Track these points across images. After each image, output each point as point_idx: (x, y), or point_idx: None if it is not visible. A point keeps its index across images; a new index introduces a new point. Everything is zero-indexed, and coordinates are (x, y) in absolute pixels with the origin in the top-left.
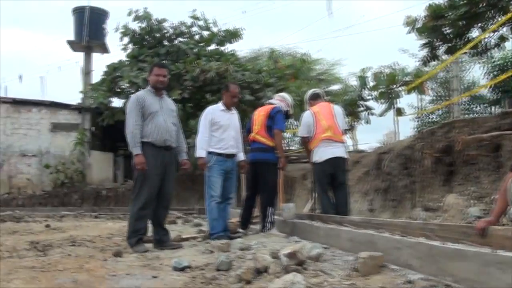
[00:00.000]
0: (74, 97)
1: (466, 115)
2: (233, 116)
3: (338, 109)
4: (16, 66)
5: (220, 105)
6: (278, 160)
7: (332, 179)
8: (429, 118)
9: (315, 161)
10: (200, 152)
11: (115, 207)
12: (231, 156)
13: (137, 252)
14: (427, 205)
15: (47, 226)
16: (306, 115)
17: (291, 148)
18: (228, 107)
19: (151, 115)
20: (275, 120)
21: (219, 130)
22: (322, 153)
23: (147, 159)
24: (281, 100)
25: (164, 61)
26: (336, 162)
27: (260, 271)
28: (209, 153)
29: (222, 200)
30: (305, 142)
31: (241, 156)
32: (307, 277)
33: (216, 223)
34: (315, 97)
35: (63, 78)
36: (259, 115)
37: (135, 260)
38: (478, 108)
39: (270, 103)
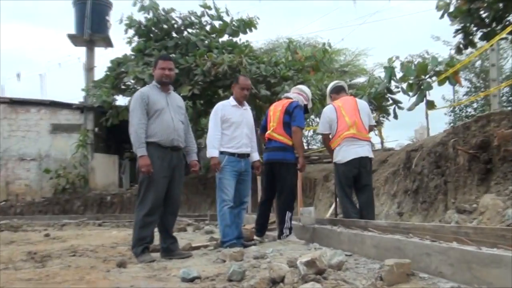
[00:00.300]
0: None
1: (506, 108)
2: (246, 112)
3: (363, 104)
4: (14, 63)
5: (231, 100)
6: (296, 160)
7: (356, 181)
8: (465, 111)
9: (337, 161)
10: (212, 152)
11: (121, 214)
12: (245, 156)
13: (143, 262)
14: (461, 206)
15: (47, 235)
16: (328, 110)
17: (311, 147)
18: (239, 102)
19: (156, 112)
20: (294, 116)
21: (230, 127)
22: (344, 153)
23: (152, 161)
24: (299, 93)
25: (172, 55)
26: (360, 163)
27: (275, 281)
28: (221, 153)
29: (236, 204)
30: (326, 140)
31: (256, 156)
32: (327, 287)
33: (229, 230)
34: (338, 90)
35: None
36: (276, 110)
37: (140, 270)
38: None
39: (287, 97)
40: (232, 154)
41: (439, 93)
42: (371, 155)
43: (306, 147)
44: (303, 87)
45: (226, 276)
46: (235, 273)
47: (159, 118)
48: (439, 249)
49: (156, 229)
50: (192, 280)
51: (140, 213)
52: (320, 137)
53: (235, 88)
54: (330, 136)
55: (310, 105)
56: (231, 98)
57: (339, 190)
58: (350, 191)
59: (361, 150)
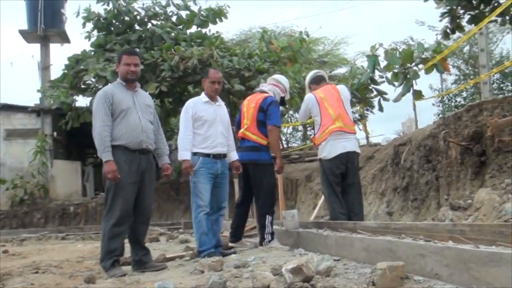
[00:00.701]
0: (31, 98)
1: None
2: (220, 109)
3: (344, 91)
4: None
5: (202, 97)
6: (272, 160)
7: (342, 178)
8: (454, 101)
9: (323, 157)
10: (184, 154)
11: (86, 225)
12: (221, 156)
13: (113, 276)
14: (455, 203)
15: (5, 251)
16: (308, 98)
17: (291, 145)
18: (211, 97)
19: (122, 113)
20: (269, 114)
21: (203, 126)
22: (331, 148)
23: (119, 166)
24: (275, 84)
25: (136, 49)
26: (347, 158)
27: None
28: (194, 154)
29: (213, 210)
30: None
31: (234, 156)
32: None
33: (206, 238)
34: (318, 81)
35: (17, 75)
36: (249, 107)
37: (111, 285)
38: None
39: (262, 90)
40: (207, 155)
41: (426, 82)
42: (358, 150)
43: (285, 145)
44: (279, 77)
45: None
46: (215, 284)
47: (125, 119)
48: (434, 249)
49: (126, 241)
50: None
51: (108, 223)
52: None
53: (205, 82)
54: (314, 132)
55: (287, 97)
56: (203, 94)
57: (326, 188)
58: (338, 188)
59: (349, 145)
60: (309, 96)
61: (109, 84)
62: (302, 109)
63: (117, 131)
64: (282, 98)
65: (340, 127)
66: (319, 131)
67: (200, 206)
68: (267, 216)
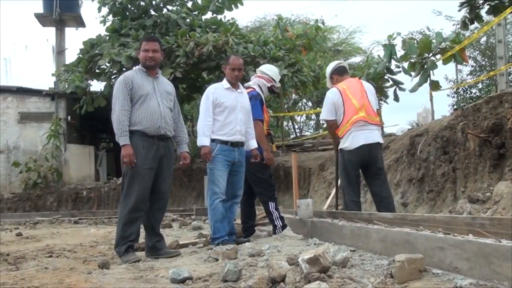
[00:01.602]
0: (46, 81)
1: None
2: (241, 96)
3: (369, 86)
4: None
5: (224, 83)
6: (262, 154)
7: (366, 170)
8: (469, 92)
9: (344, 148)
10: (203, 140)
11: (98, 210)
12: (238, 144)
13: (127, 262)
14: (473, 196)
15: (19, 234)
16: (332, 94)
17: (304, 133)
18: (233, 84)
19: (141, 98)
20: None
21: (223, 112)
22: (353, 139)
23: (137, 151)
24: (260, 76)
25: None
26: (370, 150)
27: (275, 281)
28: (212, 140)
29: (228, 198)
30: (333, 126)
31: (253, 144)
32: (333, 286)
33: (220, 225)
34: (341, 71)
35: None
36: None
37: (125, 271)
38: None
39: (248, 86)
40: (225, 142)
41: (441, 73)
42: (381, 140)
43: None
44: (264, 67)
45: (221, 276)
46: (230, 272)
47: (144, 104)
48: (453, 242)
49: (141, 227)
50: (183, 281)
51: (125, 208)
52: (313, 122)
53: (226, 69)
54: (335, 123)
55: (277, 85)
56: (224, 81)
57: (344, 178)
58: (356, 181)
59: (371, 136)
60: (331, 90)
61: (132, 69)
62: (326, 106)
63: (136, 116)
64: (271, 88)
65: (364, 117)
66: (342, 121)
67: (216, 193)
68: (269, 202)
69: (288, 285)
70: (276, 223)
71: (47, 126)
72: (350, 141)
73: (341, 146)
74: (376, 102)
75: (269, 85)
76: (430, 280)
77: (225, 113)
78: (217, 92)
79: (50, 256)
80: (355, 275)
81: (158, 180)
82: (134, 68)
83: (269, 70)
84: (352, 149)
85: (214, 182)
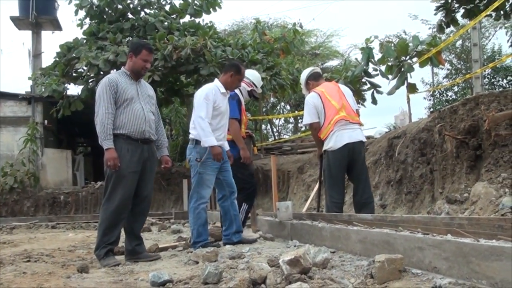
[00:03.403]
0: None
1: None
2: (228, 104)
3: (345, 88)
4: None
5: (220, 86)
6: (238, 154)
7: (351, 168)
8: (445, 95)
9: (329, 148)
10: (212, 140)
11: (76, 214)
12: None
13: (107, 265)
14: (451, 196)
15: None
16: (311, 97)
17: (283, 136)
18: (228, 90)
19: (126, 101)
20: None
21: (217, 117)
22: (336, 139)
23: (121, 154)
24: None
25: (128, 38)
26: (354, 148)
27: (256, 283)
28: (198, 143)
29: (227, 196)
30: (317, 129)
31: (226, 145)
32: (314, 287)
33: (203, 229)
34: (317, 77)
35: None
36: None
37: (105, 275)
38: (503, 81)
39: None
40: None
41: (418, 76)
42: (364, 139)
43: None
44: (247, 71)
45: (201, 278)
46: (211, 274)
47: (129, 108)
48: (432, 242)
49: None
50: (163, 284)
51: (107, 211)
52: (291, 126)
53: (233, 77)
54: (318, 125)
55: (258, 91)
56: (219, 84)
57: (328, 180)
58: (341, 182)
59: (355, 134)
60: (310, 95)
61: (113, 72)
62: (307, 110)
63: (120, 120)
64: (251, 92)
65: (345, 116)
66: (324, 124)
67: (203, 197)
68: (243, 203)
69: (269, 286)
70: None
71: (24, 131)
72: (334, 141)
73: (325, 147)
74: (354, 103)
75: (249, 89)
76: (410, 280)
77: (219, 118)
78: (216, 94)
79: (28, 261)
80: (336, 276)
81: (141, 184)
82: (116, 71)
83: (251, 75)
84: (336, 149)
85: (202, 187)
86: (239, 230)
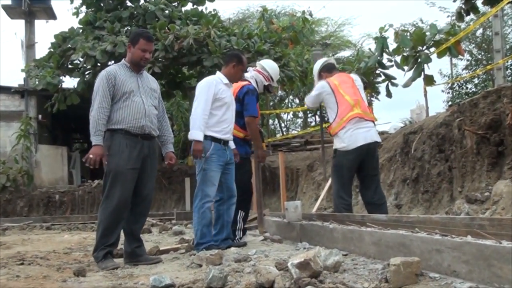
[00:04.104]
0: (15, 78)
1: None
2: (232, 95)
3: (358, 79)
4: None
5: (222, 77)
6: (248, 155)
7: (362, 170)
8: (465, 88)
9: (341, 148)
10: (197, 134)
11: (72, 215)
12: (228, 143)
13: (105, 269)
14: (471, 196)
15: None
16: (322, 85)
17: (291, 132)
18: (232, 82)
19: (125, 95)
20: (245, 104)
21: (221, 108)
22: (350, 138)
23: (120, 150)
24: (259, 71)
25: (127, 27)
26: (368, 150)
27: (263, 287)
28: (205, 137)
29: (225, 199)
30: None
31: (232, 144)
32: None
33: (207, 230)
34: (331, 68)
35: None
36: None
37: (103, 279)
38: None
39: (245, 78)
40: (218, 141)
41: (435, 67)
42: (379, 139)
43: (285, 133)
44: (267, 63)
45: (205, 282)
46: (215, 278)
47: (128, 102)
48: (451, 245)
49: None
50: None
51: (105, 211)
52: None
53: (235, 68)
54: (330, 121)
55: (274, 85)
56: (222, 76)
57: (337, 179)
58: (349, 182)
59: (369, 135)
60: (322, 83)
61: (113, 64)
62: (312, 94)
63: (119, 114)
64: (267, 87)
65: (359, 114)
66: (336, 119)
67: (208, 195)
68: (239, 211)
69: None
70: (236, 233)
71: (17, 126)
72: (348, 140)
73: (337, 146)
74: (365, 98)
75: (266, 83)
76: (427, 285)
77: (223, 109)
78: (218, 85)
79: (22, 264)
80: (348, 280)
81: (141, 182)
82: (115, 62)
83: (272, 68)
84: (350, 150)
85: (207, 184)
86: (229, 238)
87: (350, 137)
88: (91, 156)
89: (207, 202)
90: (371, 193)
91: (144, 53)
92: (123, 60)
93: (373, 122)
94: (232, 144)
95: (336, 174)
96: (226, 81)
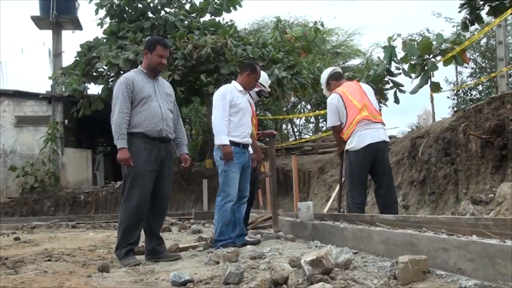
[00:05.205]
0: (42, 85)
1: None
2: (248, 100)
3: (367, 87)
4: None
5: (236, 85)
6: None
7: (374, 169)
8: (469, 95)
9: (351, 148)
10: (223, 139)
11: (96, 214)
12: (247, 146)
13: (127, 265)
14: (475, 197)
15: (16, 239)
16: (332, 99)
17: (303, 136)
18: (245, 89)
19: (143, 100)
20: None
21: (238, 113)
22: (359, 138)
23: (139, 153)
24: None
25: (148, 37)
26: (377, 149)
27: (277, 283)
28: None
29: (236, 199)
30: (338, 131)
31: (251, 149)
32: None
33: (226, 229)
34: (338, 77)
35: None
36: None
37: (125, 275)
38: None
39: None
40: (237, 144)
41: (441, 75)
42: (387, 139)
43: (298, 137)
44: None
45: (222, 278)
46: (232, 275)
47: (146, 107)
48: (457, 243)
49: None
50: (184, 284)
51: (126, 211)
52: (312, 125)
53: (249, 77)
54: (341, 128)
55: (267, 90)
56: (236, 84)
57: (349, 179)
58: (361, 183)
59: (377, 134)
60: (331, 97)
61: (131, 70)
62: (329, 111)
63: (137, 119)
64: (259, 92)
65: (367, 116)
66: (346, 124)
67: (229, 195)
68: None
69: (291, 287)
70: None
71: (44, 130)
72: (356, 141)
73: (347, 147)
74: (376, 103)
75: (257, 90)
76: (434, 282)
77: (240, 115)
78: (233, 92)
79: (49, 260)
80: (358, 277)
81: (158, 183)
82: (133, 69)
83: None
84: (358, 149)
85: (229, 184)
86: (242, 233)
87: (359, 138)
88: (122, 163)
89: (229, 201)
90: (382, 193)
91: (161, 59)
92: (139, 66)
93: (383, 123)
94: (250, 149)
95: (348, 174)
96: (240, 88)
